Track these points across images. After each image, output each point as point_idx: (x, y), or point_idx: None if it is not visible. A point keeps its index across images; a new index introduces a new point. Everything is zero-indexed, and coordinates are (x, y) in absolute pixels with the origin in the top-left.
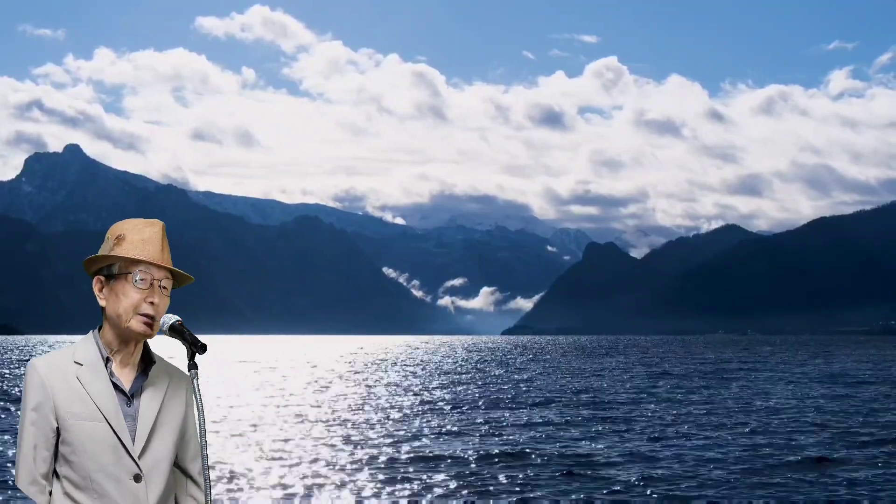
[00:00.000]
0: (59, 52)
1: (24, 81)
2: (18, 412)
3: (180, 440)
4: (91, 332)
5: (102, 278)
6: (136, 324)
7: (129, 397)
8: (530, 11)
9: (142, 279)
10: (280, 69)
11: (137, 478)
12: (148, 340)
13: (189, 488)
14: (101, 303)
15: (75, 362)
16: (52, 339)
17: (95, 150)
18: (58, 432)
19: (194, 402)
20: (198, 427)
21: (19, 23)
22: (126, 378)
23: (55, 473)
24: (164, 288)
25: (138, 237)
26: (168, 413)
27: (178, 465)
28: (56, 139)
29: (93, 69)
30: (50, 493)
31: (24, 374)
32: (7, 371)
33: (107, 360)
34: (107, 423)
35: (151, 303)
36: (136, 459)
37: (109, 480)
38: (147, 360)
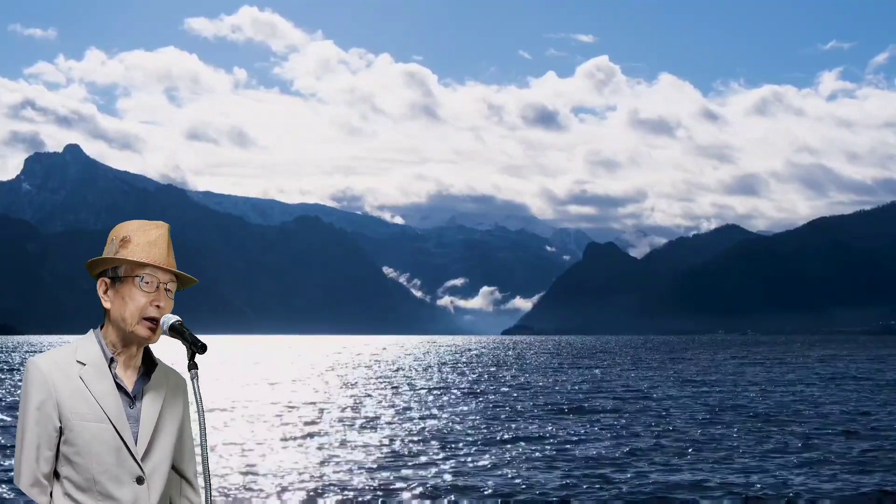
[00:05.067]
0: (51, 53)
1: (18, 81)
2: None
3: (178, 442)
4: (91, 331)
5: (108, 280)
6: (141, 329)
7: (131, 399)
8: (526, 11)
9: (148, 282)
10: (271, 69)
11: (140, 480)
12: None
13: (184, 489)
14: (106, 304)
15: (78, 361)
16: (52, 339)
17: (91, 150)
18: (60, 431)
19: (194, 404)
20: (199, 427)
21: (10, 23)
22: (128, 379)
23: (55, 474)
24: (169, 291)
25: (144, 239)
26: (168, 415)
27: (174, 467)
28: (51, 139)
29: (84, 70)
30: (51, 495)
31: (23, 373)
32: (7, 373)
33: (111, 361)
34: (111, 425)
35: (157, 306)
36: (140, 461)
37: (113, 482)
38: (149, 363)
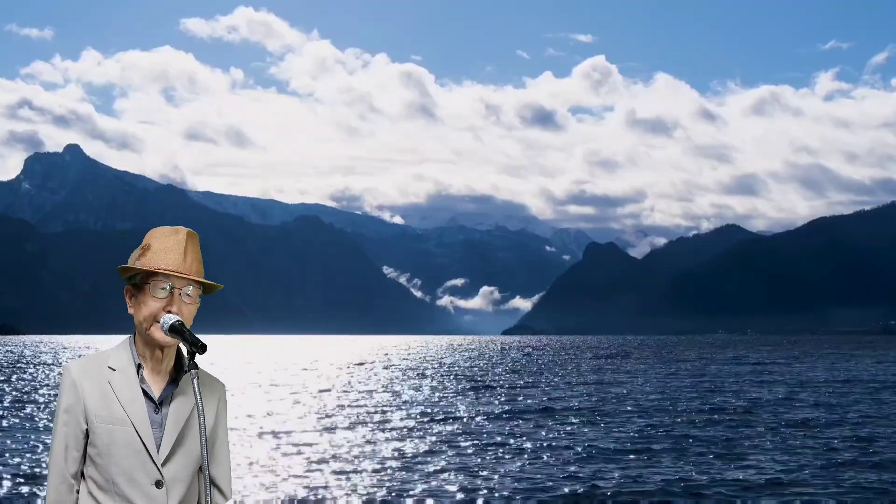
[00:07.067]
0: (47, 53)
1: (15, 80)
2: (19, 413)
3: (210, 449)
4: (127, 338)
5: (131, 287)
6: (155, 332)
7: (157, 404)
8: (524, 11)
9: (161, 289)
10: (267, 69)
11: (159, 484)
12: (181, 348)
13: (214, 496)
14: (130, 311)
15: (109, 367)
16: (52, 339)
17: (89, 150)
18: (87, 434)
19: (223, 412)
20: (200, 427)
21: (6, 22)
22: (156, 385)
23: (82, 474)
24: (189, 296)
25: (161, 246)
26: (196, 422)
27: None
28: (49, 139)
29: (81, 70)
30: (77, 493)
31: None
32: (9, 373)
33: (138, 367)
34: (133, 429)
35: (170, 312)
36: (160, 466)
37: (131, 485)
38: (179, 369)
